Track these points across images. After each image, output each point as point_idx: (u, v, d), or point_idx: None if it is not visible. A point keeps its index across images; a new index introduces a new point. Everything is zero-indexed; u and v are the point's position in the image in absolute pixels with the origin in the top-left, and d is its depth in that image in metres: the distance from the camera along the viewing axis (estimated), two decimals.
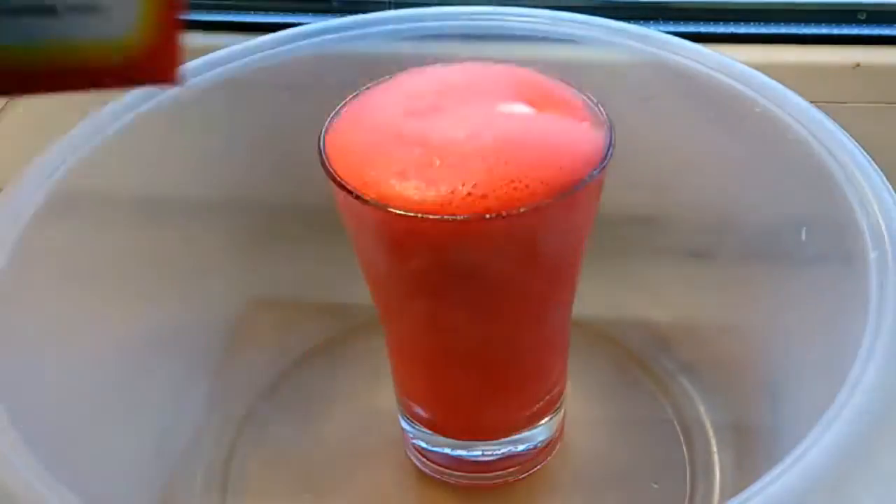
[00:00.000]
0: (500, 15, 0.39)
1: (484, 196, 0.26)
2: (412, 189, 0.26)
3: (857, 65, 0.43)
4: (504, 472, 0.36)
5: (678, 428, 0.37)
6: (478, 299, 0.29)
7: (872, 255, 0.28)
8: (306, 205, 0.33)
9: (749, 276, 0.37)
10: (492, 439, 0.35)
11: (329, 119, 0.30)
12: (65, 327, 0.32)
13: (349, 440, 0.38)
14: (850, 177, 0.30)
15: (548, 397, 0.34)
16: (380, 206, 0.26)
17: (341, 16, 0.40)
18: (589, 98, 0.30)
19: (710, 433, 0.37)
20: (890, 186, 0.30)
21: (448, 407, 0.35)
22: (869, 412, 0.24)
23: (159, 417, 0.37)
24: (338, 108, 0.30)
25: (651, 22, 0.45)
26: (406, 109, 0.29)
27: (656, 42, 0.37)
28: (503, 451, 0.35)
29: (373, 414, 0.38)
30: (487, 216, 0.26)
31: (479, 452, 0.35)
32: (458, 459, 0.35)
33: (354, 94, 0.31)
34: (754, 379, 0.36)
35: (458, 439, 0.35)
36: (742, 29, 0.45)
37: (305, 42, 0.38)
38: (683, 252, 0.40)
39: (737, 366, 0.37)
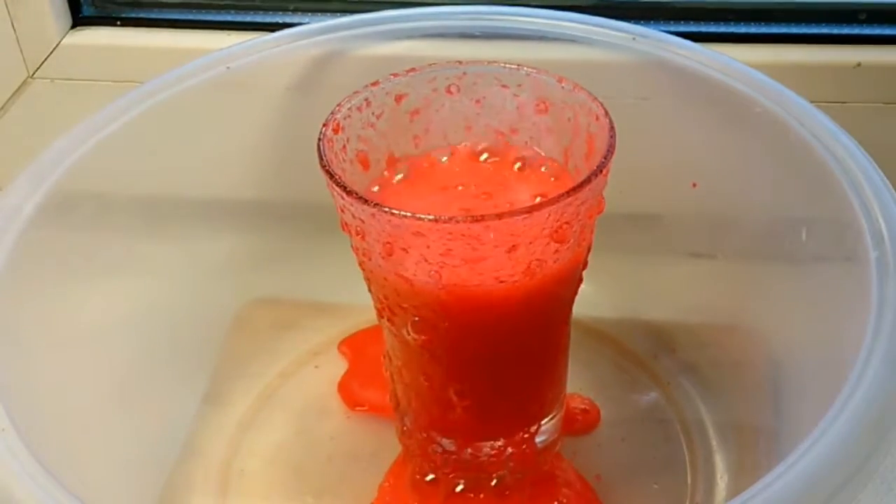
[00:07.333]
0: (500, 15, 0.39)
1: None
2: None
3: (858, 65, 0.43)
4: (504, 472, 0.36)
5: (678, 428, 0.37)
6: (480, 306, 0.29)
7: (873, 255, 0.28)
8: (306, 205, 0.33)
9: (749, 275, 0.37)
10: (492, 440, 0.35)
11: (327, 119, 0.30)
12: (64, 327, 0.32)
13: (348, 440, 0.38)
14: (850, 177, 0.30)
15: (550, 397, 0.34)
16: (378, 208, 0.26)
17: (341, 16, 0.40)
18: (589, 95, 0.30)
19: (711, 433, 0.37)
20: (890, 186, 0.30)
21: (448, 413, 0.35)
22: (869, 412, 0.24)
23: (159, 417, 0.37)
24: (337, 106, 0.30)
25: (651, 22, 0.45)
26: None
27: (656, 42, 0.37)
28: (504, 451, 0.35)
29: (372, 414, 0.38)
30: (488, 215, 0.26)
31: (480, 452, 0.35)
32: (458, 460, 0.35)
33: (354, 93, 0.31)
34: (754, 379, 0.35)
35: (458, 440, 0.35)
36: (742, 29, 0.45)
37: (305, 42, 0.38)
38: (684, 252, 0.40)
39: (737, 366, 0.37)
